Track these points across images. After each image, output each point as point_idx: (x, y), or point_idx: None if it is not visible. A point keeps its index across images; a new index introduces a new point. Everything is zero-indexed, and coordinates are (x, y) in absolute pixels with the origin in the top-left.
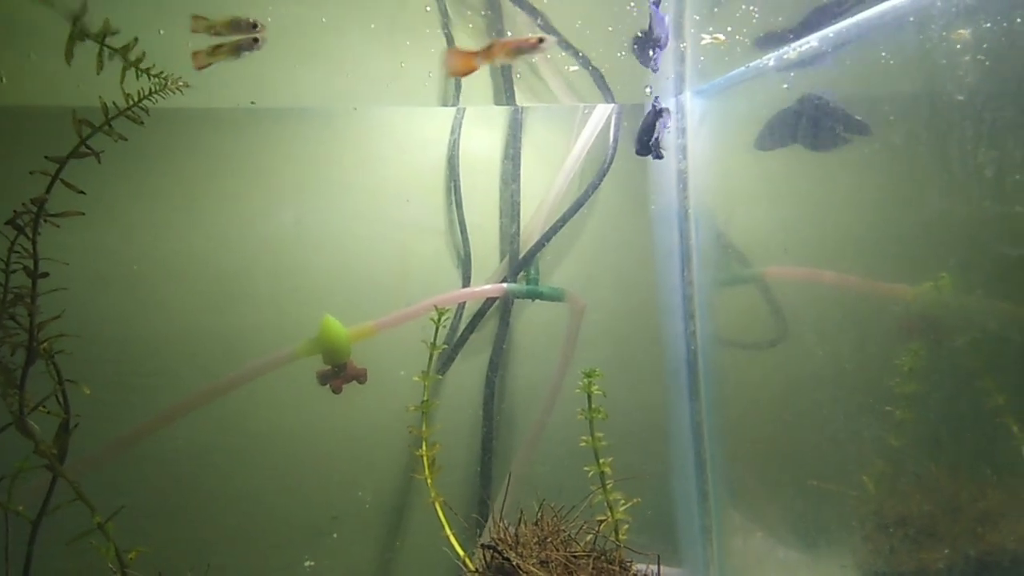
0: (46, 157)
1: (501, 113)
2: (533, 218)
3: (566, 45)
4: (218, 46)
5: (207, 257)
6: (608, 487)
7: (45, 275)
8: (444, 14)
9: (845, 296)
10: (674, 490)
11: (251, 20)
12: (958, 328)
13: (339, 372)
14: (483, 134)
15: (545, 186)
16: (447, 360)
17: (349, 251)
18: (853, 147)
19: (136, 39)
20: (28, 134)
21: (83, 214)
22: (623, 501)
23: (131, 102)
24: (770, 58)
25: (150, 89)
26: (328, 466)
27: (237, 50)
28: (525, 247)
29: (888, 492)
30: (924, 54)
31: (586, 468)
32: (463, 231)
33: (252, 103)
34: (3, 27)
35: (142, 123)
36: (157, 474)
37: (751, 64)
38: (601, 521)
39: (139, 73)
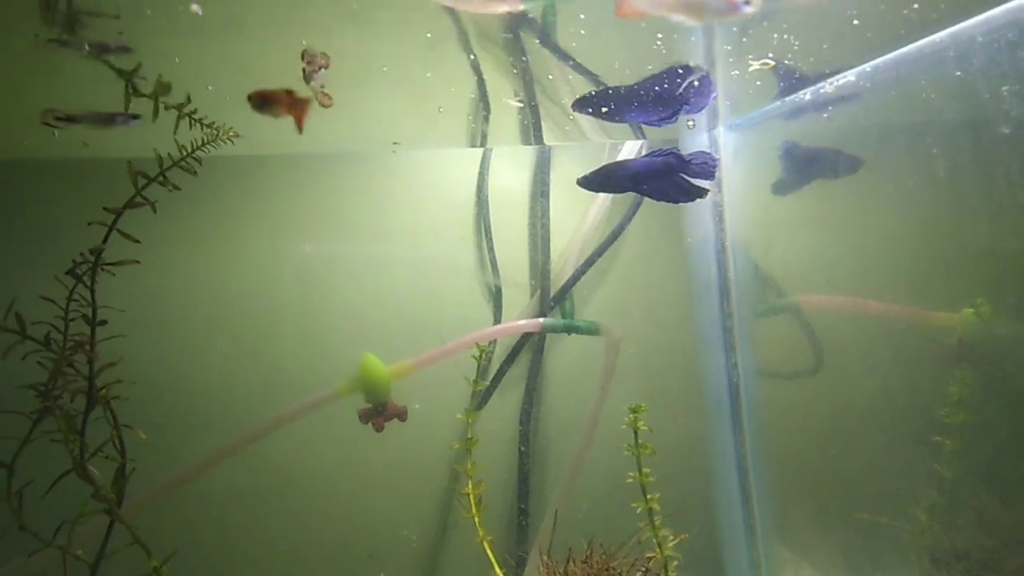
0: (104, 208)
1: (529, 151)
2: (566, 253)
3: (599, 84)
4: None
5: (245, 299)
6: (656, 523)
7: (104, 323)
8: (477, 71)
9: (890, 325)
10: (720, 524)
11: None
12: (1007, 355)
13: (380, 410)
14: (513, 172)
15: (574, 222)
16: (485, 396)
17: (385, 289)
18: (894, 179)
19: (189, 97)
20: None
21: (138, 262)
22: (671, 537)
23: (184, 152)
24: (806, 92)
25: (202, 140)
26: (368, 505)
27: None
28: (557, 282)
29: (944, 524)
30: (966, 87)
31: (633, 504)
32: (494, 267)
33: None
34: (60, 79)
35: (195, 173)
36: (197, 516)
37: (787, 99)
38: (650, 558)
39: (192, 124)
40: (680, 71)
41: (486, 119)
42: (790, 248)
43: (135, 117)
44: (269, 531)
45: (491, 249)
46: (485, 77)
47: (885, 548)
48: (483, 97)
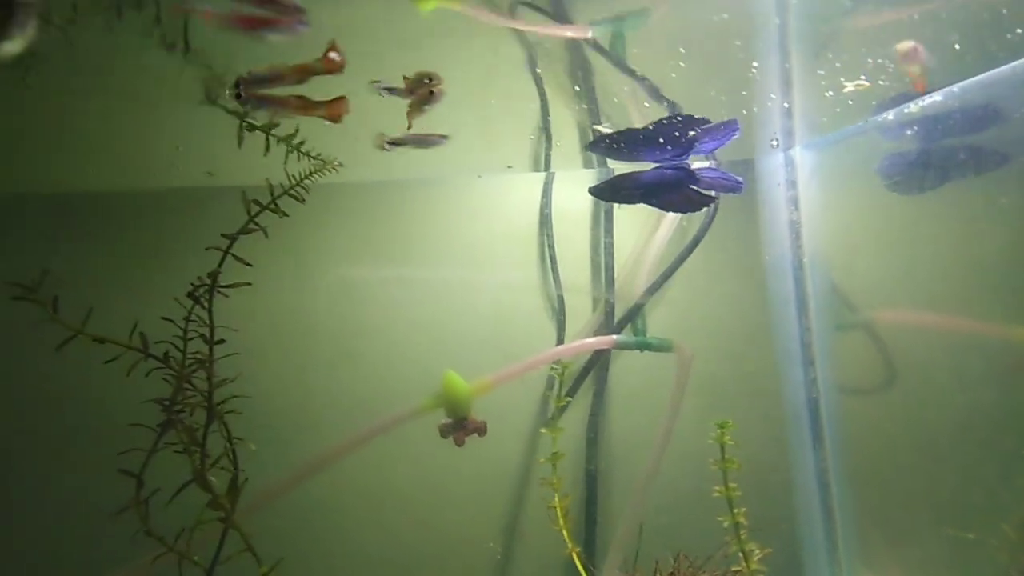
0: (222, 235)
1: (591, 174)
2: (635, 270)
3: (673, 108)
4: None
5: (323, 317)
6: (742, 537)
7: (221, 342)
8: (543, 97)
9: (979, 340)
10: (802, 540)
11: (425, 74)
12: None
13: (461, 425)
14: (576, 191)
15: (639, 239)
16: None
17: (457, 310)
18: (983, 195)
19: (297, 128)
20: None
21: (250, 284)
22: (757, 551)
23: (293, 181)
24: (889, 113)
25: (310, 169)
26: (440, 520)
27: (420, 105)
28: (623, 299)
29: None
30: None
31: (719, 517)
32: (558, 286)
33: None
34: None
35: (303, 201)
36: (274, 529)
37: (869, 119)
38: (736, 572)
39: (300, 156)
40: (687, 119)
41: (551, 144)
42: (873, 264)
43: (444, 137)
44: (344, 544)
45: (554, 265)
46: (551, 103)
47: (973, 567)
48: (546, 123)
